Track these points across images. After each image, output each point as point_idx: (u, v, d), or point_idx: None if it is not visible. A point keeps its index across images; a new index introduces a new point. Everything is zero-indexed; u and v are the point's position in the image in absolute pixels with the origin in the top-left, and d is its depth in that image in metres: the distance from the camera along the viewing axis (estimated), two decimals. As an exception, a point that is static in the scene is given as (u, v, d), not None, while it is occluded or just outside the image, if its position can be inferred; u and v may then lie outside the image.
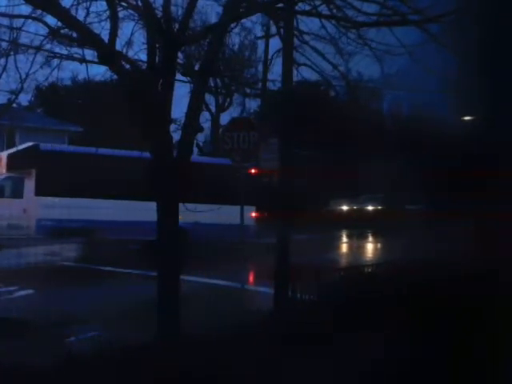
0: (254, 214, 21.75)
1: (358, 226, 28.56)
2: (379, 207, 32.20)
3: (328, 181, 25.62)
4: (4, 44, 8.64)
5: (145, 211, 19.53)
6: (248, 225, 20.87)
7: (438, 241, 13.41)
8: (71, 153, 20.93)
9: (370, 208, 32.82)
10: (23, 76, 8.80)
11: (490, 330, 3.72)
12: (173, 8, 7.90)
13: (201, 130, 8.54)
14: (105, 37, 7.55)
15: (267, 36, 26.55)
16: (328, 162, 26.48)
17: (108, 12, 7.63)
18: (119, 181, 19.63)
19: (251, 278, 16.41)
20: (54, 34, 7.89)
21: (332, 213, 32.19)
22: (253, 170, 20.30)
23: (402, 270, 7.52)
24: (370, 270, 9.85)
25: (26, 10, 7.88)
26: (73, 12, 7.48)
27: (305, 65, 10.54)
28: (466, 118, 10.82)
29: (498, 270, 3.58)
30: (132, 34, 8.19)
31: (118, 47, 7.75)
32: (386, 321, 5.34)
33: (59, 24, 7.66)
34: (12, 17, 8.13)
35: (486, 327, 4.11)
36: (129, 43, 8.14)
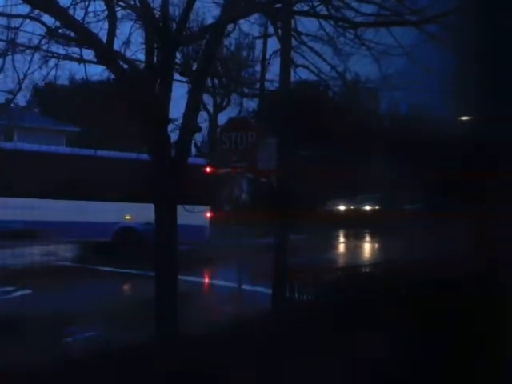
0: (208, 215, 21.13)
1: (355, 226, 28.54)
2: (376, 207, 32.19)
3: (325, 181, 25.57)
4: (1, 44, 8.63)
5: (90, 211, 18.49)
6: (203, 225, 20.46)
7: (434, 241, 13.41)
8: (8, 150, 19.44)
9: (367, 208, 32.82)
10: (21, 76, 8.80)
11: (488, 330, 3.74)
12: (171, 8, 7.91)
13: (198, 130, 8.55)
14: (103, 37, 7.57)
15: (265, 36, 26.52)
16: (325, 162, 26.46)
17: (106, 12, 7.64)
18: (61, 180, 18.36)
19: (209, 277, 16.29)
20: (51, 33, 7.89)
21: (329, 213, 32.18)
22: (208, 169, 20.10)
23: (399, 270, 7.53)
24: (367, 270, 9.86)
25: (23, 9, 7.88)
26: (71, 12, 7.50)
27: (303, 66, 10.54)
28: (464, 118, 10.83)
29: (496, 271, 3.60)
30: (130, 33, 8.20)
31: (116, 47, 7.76)
32: (385, 321, 5.35)
33: (57, 24, 7.66)
34: (10, 16, 8.12)
35: (483, 327, 4.12)
36: (127, 43, 8.15)
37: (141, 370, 4.79)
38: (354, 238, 27.40)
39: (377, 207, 31.86)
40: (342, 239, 27.93)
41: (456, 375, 4.62)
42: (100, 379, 4.73)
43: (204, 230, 20.67)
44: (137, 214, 18.83)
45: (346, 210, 33.24)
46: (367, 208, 32.75)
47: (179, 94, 9.64)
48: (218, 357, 4.92)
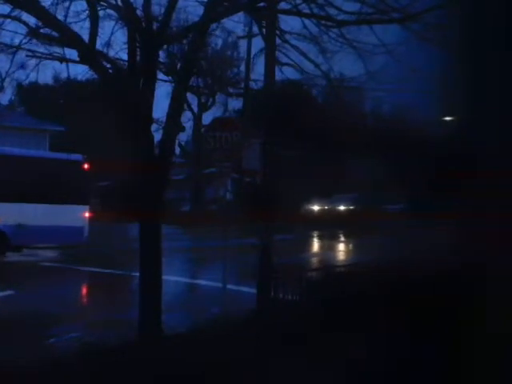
0: (87, 214, 19.40)
1: (330, 227, 28.37)
2: (351, 207, 31.99)
3: (307, 180, 25.50)
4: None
5: None
6: (81, 226, 18.92)
7: (412, 241, 13.45)
8: None
9: (342, 208, 32.62)
10: (3, 75, 8.74)
11: (468, 328, 3.77)
12: (153, 7, 7.87)
13: (182, 129, 8.53)
14: (85, 36, 7.53)
15: (249, 35, 26.54)
16: (308, 161, 26.44)
17: (88, 11, 7.60)
18: None
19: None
20: (33, 33, 7.84)
21: (307, 213, 32.06)
22: (86, 166, 19.04)
23: (383, 269, 7.56)
24: (351, 269, 9.88)
25: (3, 9, 7.81)
26: (52, 11, 7.45)
27: (287, 64, 10.53)
28: (448, 117, 10.90)
29: (475, 269, 3.63)
30: (112, 33, 8.16)
31: (99, 47, 7.73)
32: (369, 320, 5.36)
33: (38, 23, 7.62)
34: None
35: (466, 325, 4.15)
36: (109, 43, 8.12)
37: (124, 371, 4.76)
38: (338, 237, 27.36)
39: (356, 207, 31.68)
40: (325, 239, 27.88)
41: (445, 375, 4.63)
42: (83, 380, 4.70)
43: (82, 231, 19.06)
44: (4, 214, 17.44)
45: (330, 210, 33.10)
46: (350, 208, 32.61)
47: (163, 93, 9.62)
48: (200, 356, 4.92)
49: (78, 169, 18.67)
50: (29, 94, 38.55)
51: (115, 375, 4.77)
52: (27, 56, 8.33)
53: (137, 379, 4.78)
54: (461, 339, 4.00)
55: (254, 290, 9.66)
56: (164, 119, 8.08)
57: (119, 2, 7.56)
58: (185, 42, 9.61)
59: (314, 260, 19.26)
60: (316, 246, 25.75)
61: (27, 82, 11.39)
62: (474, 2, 3.95)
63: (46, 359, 5.81)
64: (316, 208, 33.22)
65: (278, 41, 10.03)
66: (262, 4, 9.48)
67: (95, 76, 9.00)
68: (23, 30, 7.99)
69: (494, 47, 3.73)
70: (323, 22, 9.05)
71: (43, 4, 7.38)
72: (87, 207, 19.55)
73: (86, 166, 19.09)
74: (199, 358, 5.00)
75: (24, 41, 8.14)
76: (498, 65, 3.71)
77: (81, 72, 8.91)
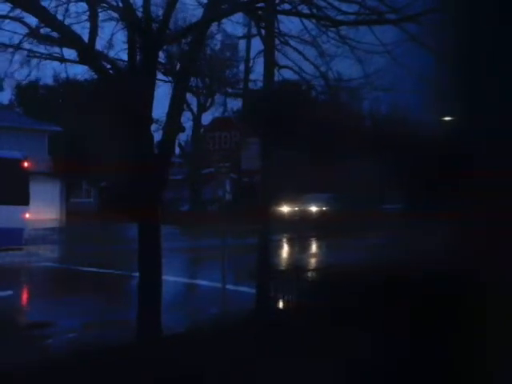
0: (27, 215, 18.28)
1: (334, 226, 28.25)
2: (324, 208, 31.85)
3: (297, 180, 25.40)
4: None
5: None
6: (20, 228, 17.94)
7: (407, 241, 13.43)
8: None
9: (314, 209, 32.46)
10: (2, 75, 8.75)
11: (468, 328, 3.79)
12: (153, 8, 7.89)
13: (182, 129, 8.55)
14: (85, 37, 7.55)
15: (249, 36, 26.56)
16: (306, 161, 26.40)
17: (88, 12, 7.62)
18: None
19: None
20: (33, 33, 7.85)
21: (283, 213, 32.00)
22: (26, 164, 18.13)
23: (377, 270, 7.58)
24: (349, 269, 9.89)
25: (3, 8, 7.82)
26: (53, 12, 7.47)
27: (286, 67, 10.55)
28: (444, 118, 10.90)
29: (470, 271, 3.65)
30: (113, 34, 8.19)
31: (99, 47, 7.75)
32: (368, 319, 5.37)
33: (39, 23, 7.63)
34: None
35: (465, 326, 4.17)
36: (109, 43, 8.14)
37: (122, 371, 4.78)
38: (333, 237, 27.22)
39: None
40: (320, 240, 27.74)
41: (444, 375, 4.65)
42: (81, 381, 4.71)
43: (21, 233, 17.99)
44: None
45: (292, 211, 32.87)
46: (319, 208, 32.42)
47: (163, 93, 9.64)
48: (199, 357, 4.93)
49: (17, 167, 17.78)
50: (28, 94, 38.53)
51: (114, 375, 4.78)
52: (27, 56, 8.34)
53: (136, 379, 4.79)
54: (460, 340, 4.01)
55: (252, 290, 9.67)
56: (164, 119, 8.11)
57: (119, 3, 7.57)
58: (184, 42, 9.63)
59: (311, 261, 19.20)
60: (311, 246, 25.66)
61: (26, 82, 11.34)
62: (470, 4, 3.97)
63: (45, 359, 5.82)
64: (287, 209, 33.02)
65: (276, 42, 10.05)
66: (261, 4, 9.49)
67: (95, 76, 9.03)
68: (23, 29, 8.00)
69: (489, 47, 3.75)
70: (322, 22, 9.07)
71: (43, 4, 7.40)
72: (27, 208, 18.34)
73: (26, 164, 18.16)
74: (198, 358, 5.01)
75: (23, 41, 8.15)
76: (493, 65, 3.74)
77: (80, 72, 8.93)
